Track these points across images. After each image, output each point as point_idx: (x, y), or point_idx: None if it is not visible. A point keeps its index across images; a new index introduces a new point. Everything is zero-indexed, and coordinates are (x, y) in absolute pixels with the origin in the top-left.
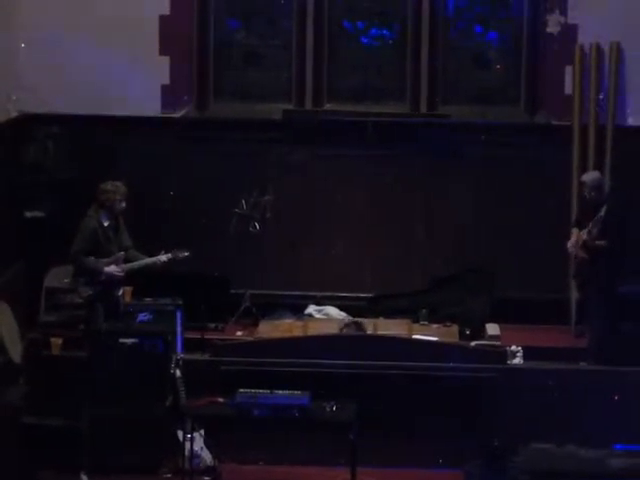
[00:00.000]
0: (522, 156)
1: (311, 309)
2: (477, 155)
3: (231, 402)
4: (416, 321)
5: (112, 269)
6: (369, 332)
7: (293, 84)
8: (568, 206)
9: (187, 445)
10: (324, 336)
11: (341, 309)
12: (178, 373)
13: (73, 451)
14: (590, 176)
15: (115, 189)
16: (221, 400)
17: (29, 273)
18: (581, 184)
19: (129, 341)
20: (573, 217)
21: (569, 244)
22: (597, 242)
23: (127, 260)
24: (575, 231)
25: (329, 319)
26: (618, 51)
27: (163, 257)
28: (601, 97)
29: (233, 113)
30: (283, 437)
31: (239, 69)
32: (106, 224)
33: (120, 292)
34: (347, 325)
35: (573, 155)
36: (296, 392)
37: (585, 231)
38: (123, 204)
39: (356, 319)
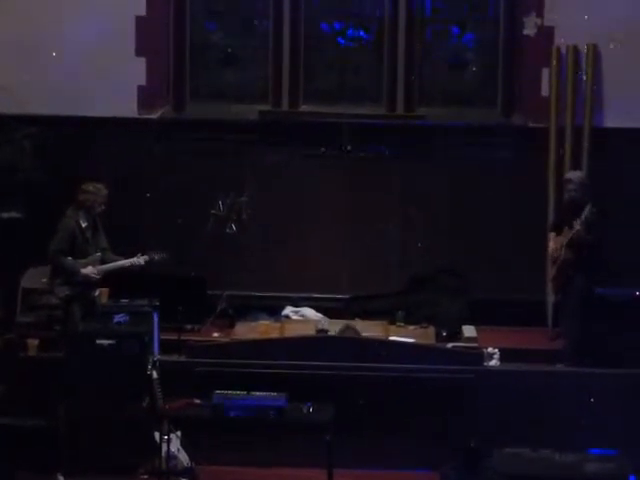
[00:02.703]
0: (498, 158)
1: (288, 310)
2: (453, 157)
3: (208, 403)
4: (393, 322)
5: (89, 270)
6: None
7: (270, 85)
8: (544, 208)
9: (164, 446)
10: (301, 337)
11: (318, 310)
12: (155, 374)
13: (50, 452)
14: (575, 174)
15: (96, 191)
16: (198, 401)
17: (5, 274)
18: (565, 182)
19: (106, 342)
20: (550, 221)
21: (550, 249)
22: (586, 236)
23: (104, 261)
24: (552, 235)
25: (306, 320)
26: (595, 53)
27: (140, 259)
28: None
29: (209, 114)
30: (260, 438)
31: (216, 70)
32: (84, 225)
33: (96, 293)
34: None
35: (550, 157)
36: (273, 393)
37: (575, 225)
38: (102, 207)
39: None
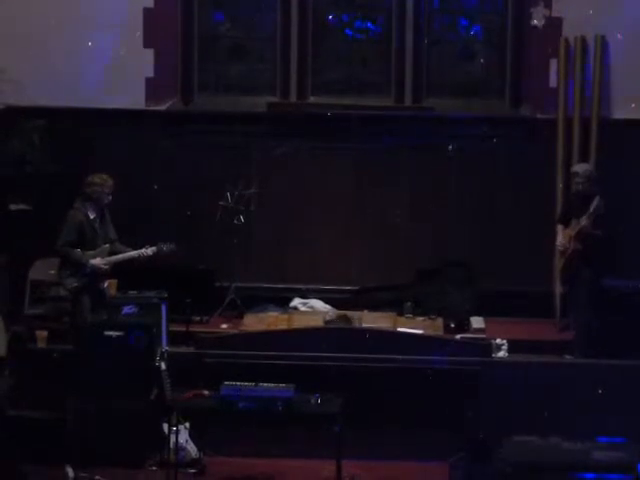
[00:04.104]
0: (506, 149)
1: (296, 302)
2: (461, 148)
3: (216, 395)
4: (401, 314)
5: (97, 262)
6: (356, 325)
7: (278, 77)
8: (553, 199)
9: (172, 438)
10: (309, 329)
11: (326, 302)
12: (163, 366)
13: (58, 444)
14: (582, 167)
15: (102, 182)
16: (206, 393)
17: (14, 266)
18: (572, 175)
19: (114, 334)
20: (558, 212)
21: (558, 242)
22: (594, 231)
23: (112, 253)
24: (560, 228)
25: (314, 312)
26: (603, 44)
27: (148, 250)
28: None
29: (217, 106)
30: (268, 430)
31: (224, 62)
32: (92, 216)
33: (105, 284)
34: (332, 320)
35: (558, 148)
36: (281, 385)
37: (583, 218)
38: (110, 197)
39: (342, 312)
